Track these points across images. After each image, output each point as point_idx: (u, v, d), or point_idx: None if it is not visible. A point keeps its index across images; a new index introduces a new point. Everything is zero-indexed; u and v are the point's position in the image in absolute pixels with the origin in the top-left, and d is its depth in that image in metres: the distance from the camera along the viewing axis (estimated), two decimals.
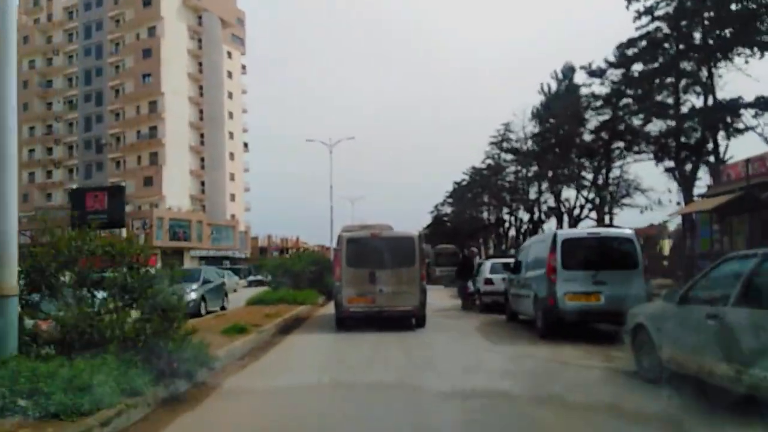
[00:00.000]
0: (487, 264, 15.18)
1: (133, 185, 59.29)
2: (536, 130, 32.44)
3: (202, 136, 61.94)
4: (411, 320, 11.32)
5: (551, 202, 35.50)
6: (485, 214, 50.67)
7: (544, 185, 34.86)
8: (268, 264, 16.63)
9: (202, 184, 61.99)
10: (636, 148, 24.44)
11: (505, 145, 44.74)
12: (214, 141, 62.10)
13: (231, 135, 68.59)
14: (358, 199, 65.56)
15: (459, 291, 15.94)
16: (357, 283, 11.01)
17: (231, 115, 68.75)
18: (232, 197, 68.19)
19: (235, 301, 17.15)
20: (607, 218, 26.59)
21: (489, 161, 45.79)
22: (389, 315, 11.00)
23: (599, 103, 24.91)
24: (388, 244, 11.16)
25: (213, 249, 60.48)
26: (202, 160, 61.91)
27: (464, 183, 54.30)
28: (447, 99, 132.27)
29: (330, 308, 17.60)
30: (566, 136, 28.69)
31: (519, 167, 41.40)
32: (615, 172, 28.41)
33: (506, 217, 45.50)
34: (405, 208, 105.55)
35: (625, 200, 28.25)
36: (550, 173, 31.50)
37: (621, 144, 25.03)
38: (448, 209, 66.30)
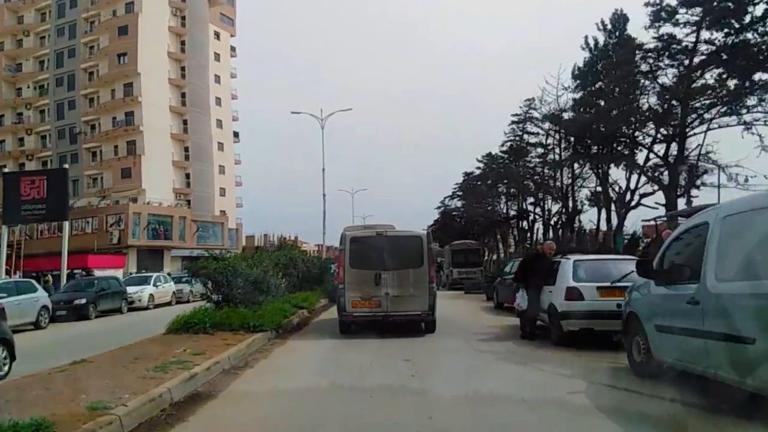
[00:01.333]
0: (568, 266, 8.88)
1: (111, 178, 53.43)
2: (576, 96, 26.13)
3: (185, 122, 55.81)
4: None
5: (590, 188, 29.27)
6: (503, 207, 44.39)
7: (581, 167, 28.61)
8: (209, 266, 10.43)
9: (187, 176, 55.85)
10: (727, 108, 18.23)
11: (528, 126, 38.62)
12: (198, 128, 55.96)
13: (219, 123, 62.65)
14: (359, 191, 59.37)
15: (521, 308, 9.61)
16: (361, 286, 10.13)
17: (219, 101, 62.77)
18: (222, 192, 62.13)
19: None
20: (682, 203, 20.33)
21: (509, 144, 39.58)
22: (396, 320, 10.12)
23: (677, 47, 18.63)
24: (394, 244, 10.31)
25: (199, 248, 54.23)
26: (186, 149, 55.76)
27: (478, 172, 48.14)
28: (450, 90, 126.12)
29: (317, 329, 11.83)
30: (621, 99, 22.51)
31: (547, 149, 35.19)
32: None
33: (531, 208, 39.17)
34: (408, 203, 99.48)
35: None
36: (594, 149, 25.28)
37: (704, 101, 18.77)
38: (458, 203, 60.23)
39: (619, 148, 24.18)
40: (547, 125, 33.48)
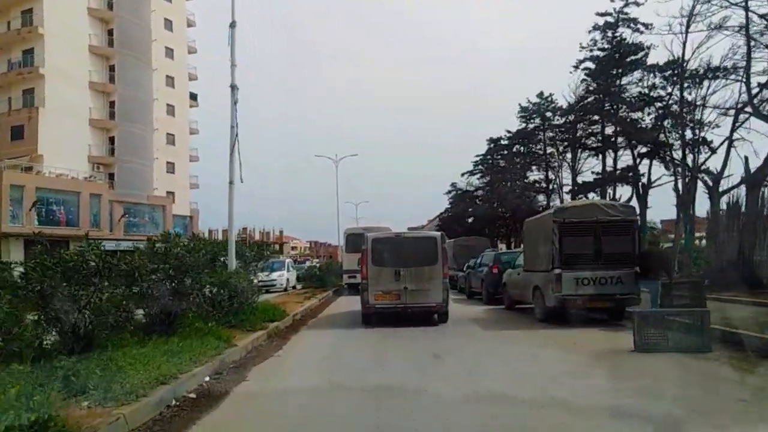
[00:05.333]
0: None
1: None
2: None
3: (112, 68, 38.57)
4: None
5: None
6: (565, 171, 27.35)
7: None
8: None
9: (111, 140, 38.57)
10: None
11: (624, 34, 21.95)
12: (132, 77, 38.73)
13: (171, 81, 45.74)
14: (345, 158, 42.20)
15: None
16: (383, 281, 10.67)
17: (170, 53, 45.87)
18: (170, 167, 45.04)
19: None
20: None
21: (589, 64, 22.62)
22: (414, 311, 10.66)
23: None
24: (411, 244, 11.09)
25: (128, 239, 36.93)
26: (112, 105, 38.51)
27: (520, 129, 31.22)
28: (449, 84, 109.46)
29: None
30: None
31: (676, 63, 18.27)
32: None
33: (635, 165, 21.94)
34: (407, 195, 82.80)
35: None
36: None
37: None
38: (478, 182, 43.21)
39: None
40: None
